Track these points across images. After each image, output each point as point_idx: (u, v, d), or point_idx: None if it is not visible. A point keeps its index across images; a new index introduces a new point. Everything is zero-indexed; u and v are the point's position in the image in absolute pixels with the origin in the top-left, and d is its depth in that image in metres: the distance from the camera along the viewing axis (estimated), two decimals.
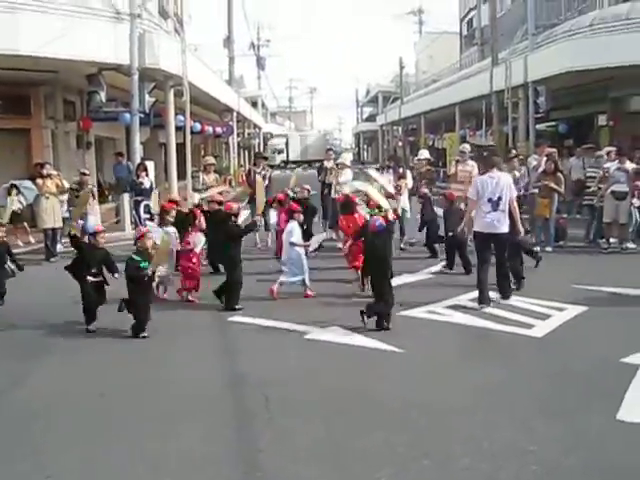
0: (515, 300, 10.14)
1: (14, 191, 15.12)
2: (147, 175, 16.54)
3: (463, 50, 54.93)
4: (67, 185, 15.66)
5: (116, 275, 9.17)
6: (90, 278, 9.01)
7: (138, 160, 18.30)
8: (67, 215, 15.59)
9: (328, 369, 7.42)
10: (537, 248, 13.28)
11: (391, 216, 10.07)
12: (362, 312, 8.90)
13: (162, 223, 10.92)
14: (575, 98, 26.83)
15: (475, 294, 10.06)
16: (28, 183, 15.63)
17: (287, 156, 75.34)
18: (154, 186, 17.07)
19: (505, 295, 10.20)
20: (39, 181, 15.15)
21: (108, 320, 9.05)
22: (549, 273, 12.19)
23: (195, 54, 28.77)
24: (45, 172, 15.24)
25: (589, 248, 14.88)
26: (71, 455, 5.45)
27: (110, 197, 23.18)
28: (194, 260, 10.78)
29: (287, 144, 74.54)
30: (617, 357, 7.45)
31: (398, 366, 7.53)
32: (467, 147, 16.28)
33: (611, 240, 14.70)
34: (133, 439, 5.76)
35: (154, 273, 8.88)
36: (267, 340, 8.57)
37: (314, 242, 11.58)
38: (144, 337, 8.60)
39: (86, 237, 10.59)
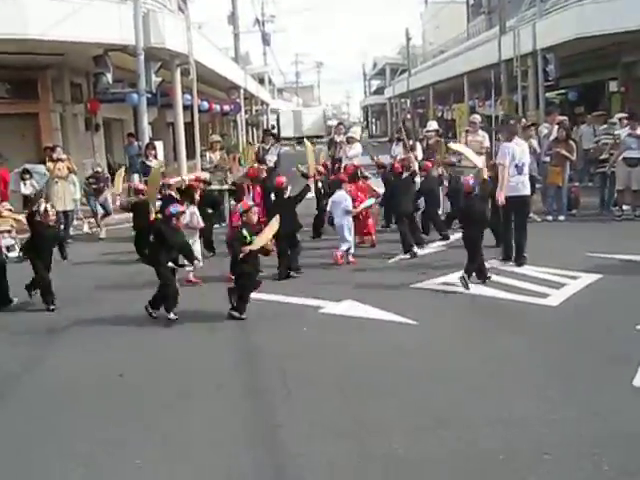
0: (529, 269, 10.14)
1: (27, 175, 15.20)
2: (156, 156, 16.57)
3: (470, 19, 54.41)
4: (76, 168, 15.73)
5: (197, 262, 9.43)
6: (171, 264, 8.90)
7: (147, 140, 18.33)
8: (77, 197, 15.76)
9: (344, 342, 7.44)
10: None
11: (485, 174, 10.38)
12: (462, 278, 9.27)
13: (187, 201, 10.67)
14: (585, 65, 26.60)
15: (488, 264, 10.07)
16: (40, 167, 15.72)
17: (278, 133, 74.50)
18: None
19: (520, 262, 10.30)
20: (49, 165, 15.17)
21: (125, 301, 9.11)
22: (562, 242, 12.16)
23: (200, 32, 28.64)
24: (55, 156, 15.26)
25: (602, 216, 14.80)
26: (89, 435, 5.51)
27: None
28: None
29: (278, 120, 73.66)
30: (632, 324, 7.45)
31: (413, 338, 7.55)
32: (477, 117, 16.17)
33: (624, 207, 14.60)
34: (150, 417, 5.82)
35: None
36: (283, 315, 8.61)
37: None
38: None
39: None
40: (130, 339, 8.03)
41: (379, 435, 5.22)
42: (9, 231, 13.01)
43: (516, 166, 10.52)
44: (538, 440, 4.99)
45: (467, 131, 15.74)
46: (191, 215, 10.42)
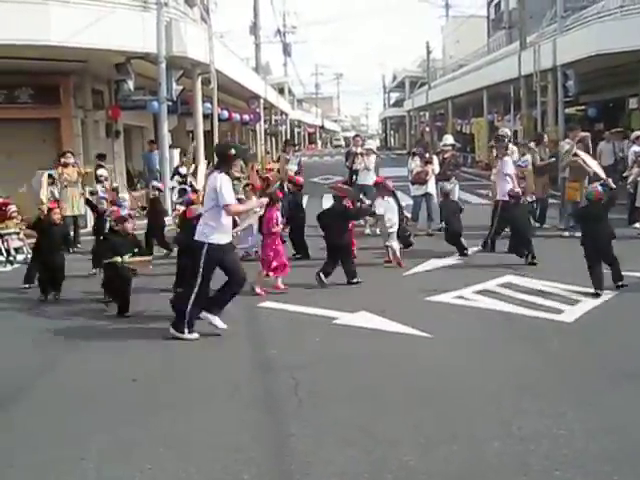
0: (544, 285, 10.12)
1: (50, 180, 15.42)
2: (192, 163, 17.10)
3: (491, 34, 54.42)
4: (88, 170, 16.07)
5: None
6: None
7: (167, 148, 18.55)
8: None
9: (357, 354, 7.46)
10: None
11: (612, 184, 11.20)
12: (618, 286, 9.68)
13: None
14: (605, 81, 26.53)
15: (503, 279, 10.11)
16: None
17: None
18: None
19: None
20: (59, 169, 15.32)
21: (141, 305, 9.18)
22: (579, 258, 12.08)
23: (221, 41, 28.83)
24: (64, 160, 15.39)
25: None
26: (102, 438, 5.55)
27: (138, 185, 23.37)
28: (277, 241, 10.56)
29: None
30: None
31: (427, 351, 7.55)
32: (506, 131, 16.13)
33: None
34: (162, 423, 5.85)
35: None
36: (296, 325, 8.63)
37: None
38: None
39: None
40: (145, 345, 8.08)
41: (390, 447, 5.23)
42: (17, 233, 13.20)
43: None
44: (549, 456, 4.98)
45: (492, 146, 15.71)
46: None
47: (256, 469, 4.97)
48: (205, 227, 7.97)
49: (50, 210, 10.64)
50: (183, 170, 17.08)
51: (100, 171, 16.24)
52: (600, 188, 10.15)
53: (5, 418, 6.10)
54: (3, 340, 8.43)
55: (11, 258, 13.14)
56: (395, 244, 11.82)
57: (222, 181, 7.90)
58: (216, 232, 7.93)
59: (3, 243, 13.23)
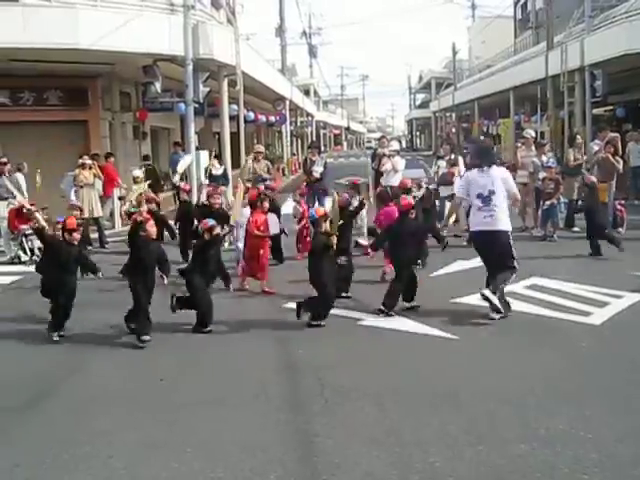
0: (572, 287, 10.04)
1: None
2: (220, 164, 17.42)
3: (517, 34, 54.06)
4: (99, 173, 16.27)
5: None
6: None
7: (193, 150, 18.68)
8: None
9: (383, 355, 7.46)
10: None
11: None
12: None
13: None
14: (634, 81, 26.22)
15: (530, 281, 10.06)
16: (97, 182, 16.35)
17: None
18: (228, 174, 17.52)
19: None
20: (76, 171, 15.54)
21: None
22: (606, 260, 12.02)
23: (248, 44, 28.95)
24: (80, 161, 15.66)
25: None
26: (130, 437, 5.62)
27: (165, 186, 23.52)
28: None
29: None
30: None
31: (453, 353, 7.54)
32: (531, 133, 16.05)
33: None
34: (189, 423, 5.90)
35: None
36: (321, 326, 8.64)
37: None
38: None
39: None
40: (173, 346, 8.15)
41: (417, 448, 5.23)
42: None
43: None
44: (576, 459, 4.95)
45: (518, 147, 15.63)
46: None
47: (282, 469, 4.99)
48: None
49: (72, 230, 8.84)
50: (217, 170, 17.15)
51: (135, 172, 16.50)
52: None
53: (37, 416, 6.18)
54: (35, 340, 8.52)
55: (34, 257, 13.41)
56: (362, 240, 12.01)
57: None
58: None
59: (27, 243, 13.50)
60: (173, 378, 7.00)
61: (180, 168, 16.67)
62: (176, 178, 16.33)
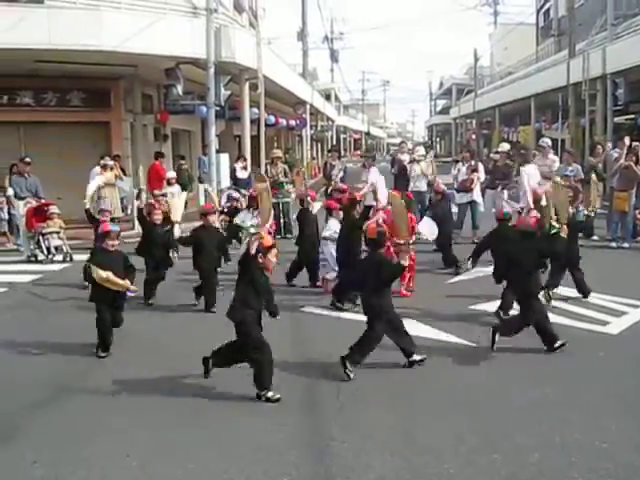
0: (590, 296, 9.99)
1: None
2: (245, 167, 17.52)
3: (539, 42, 53.82)
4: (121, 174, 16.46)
5: None
6: None
7: (214, 152, 18.82)
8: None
9: (399, 361, 7.42)
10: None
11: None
12: None
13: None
14: None
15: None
16: (127, 181, 16.82)
17: None
18: (252, 178, 17.51)
19: None
20: (97, 169, 15.76)
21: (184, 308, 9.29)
22: (625, 270, 11.95)
23: (269, 47, 29.04)
24: (102, 162, 15.81)
25: None
26: (146, 437, 5.68)
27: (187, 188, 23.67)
28: None
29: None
30: None
31: (468, 359, 7.52)
32: (547, 141, 15.99)
33: None
34: (205, 424, 5.94)
35: None
36: (338, 330, 8.63)
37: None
38: None
39: None
40: (189, 346, 8.17)
41: (431, 454, 5.24)
42: (58, 232, 13.67)
43: None
44: (591, 468, 4.95)
45: (534, 155, 15.55)
46: None
47: (296, 472, 5.02)
48: None
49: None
50: (242, 174, 17.25)
51: (169, 173, 16.79)
52: None
53: (55, 414, 6.26)
54: (54, 338, 8.59)
55: (51, 256, 13.60)
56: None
57: None
58: None
59: (44, 242, 13.67)
60: (188, 380, 7.03)
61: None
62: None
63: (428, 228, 10.88)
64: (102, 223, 9.57)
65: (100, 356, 7.79)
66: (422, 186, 15.68)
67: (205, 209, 10.62)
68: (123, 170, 16.88)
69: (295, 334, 8.62)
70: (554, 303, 9.58)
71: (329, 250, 10.49)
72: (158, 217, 10.57)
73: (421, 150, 17.30)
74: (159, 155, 19.46)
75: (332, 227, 10.56)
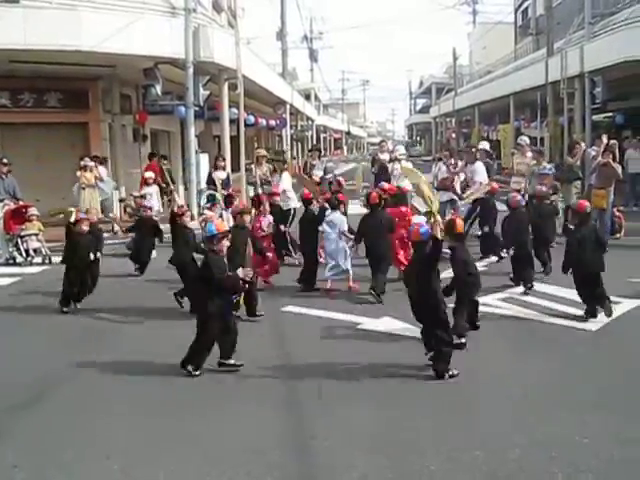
0: (569, 292, 10.03)
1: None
2: (224, 168, 17.24)
3: (518, 41, 54.12)
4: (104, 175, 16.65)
5: None
6: None
7: (193, 153, 18.75)
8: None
9: (381, 359, 7.46)
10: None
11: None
12: None
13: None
14: (633, 88, 26.25)
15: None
16: (108, 180, 16.97)
17: None
18: (230, 179, 17.42)
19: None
20: (78, 173, 15.76)
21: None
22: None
23: (248, 47, 28.96)
24: (82, 164, 15.79)
25: None
26: (127, 439, 5.65)
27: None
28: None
29: None
30: None
31: (453, 358, 7.51)
32: (525, 139, 16.08)
33: None
34: (186, 426, 5.92)
35: None
36: (320, 329, 8.65)
37: None
38: None
39: None
40: (172, 349, 8.13)
41: (413, 452, 5.25)
42: (36, 234, 13.59)
43: None
44: (572, 464, 4.98)
45: (512, 153, 15.65)
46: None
47: (279, 472, 5.01)
48: None
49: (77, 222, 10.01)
50: (220, 174, 17.09)
51: (147, 173, 16.88)
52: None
53: (36, 417, 6.20)
54: (34, 340, 8.53)
55: (30, 258, 13.49)
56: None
57: None
58: None
59: (23, 244, 13.56)
60: (172, 382, 6.99)
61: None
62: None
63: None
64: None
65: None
66: (406, 185, 15.61)
67: (242, 209, 10.25)
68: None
69: (276, 335, 8.60)
70: (533, 300, 9.65)
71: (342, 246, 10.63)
72: (188, 219, 10.47)
73: (401, 149, 17.31)
74: (153, 155, 19.97)
75: (342, 222, 10.71)
